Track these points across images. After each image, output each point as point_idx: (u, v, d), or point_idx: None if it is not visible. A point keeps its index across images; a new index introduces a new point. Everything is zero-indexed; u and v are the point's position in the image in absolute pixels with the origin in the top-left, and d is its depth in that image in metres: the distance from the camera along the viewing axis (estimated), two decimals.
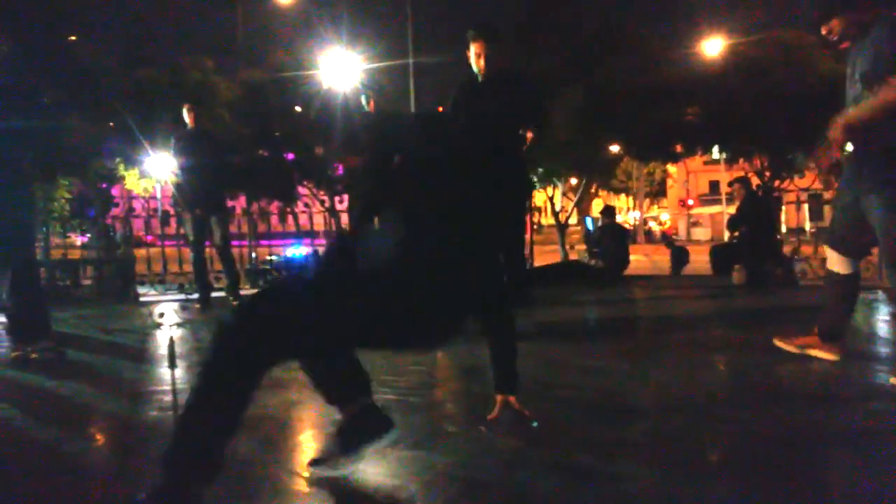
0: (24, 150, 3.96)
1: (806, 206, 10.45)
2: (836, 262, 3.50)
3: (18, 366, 3.96)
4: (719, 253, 8.74)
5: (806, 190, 9.55)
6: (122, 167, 16.47)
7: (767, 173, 15.03)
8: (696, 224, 42.53)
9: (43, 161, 3.99)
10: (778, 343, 3.72)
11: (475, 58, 4.57)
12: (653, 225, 45.62)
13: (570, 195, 19.83)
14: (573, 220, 18.76)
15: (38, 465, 2.40)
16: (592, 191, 27.46)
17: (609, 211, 10.13)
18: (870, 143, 3.22)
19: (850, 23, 3.31)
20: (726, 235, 9.06)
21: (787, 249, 8.83)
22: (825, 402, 2.98)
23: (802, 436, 2.49)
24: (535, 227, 9.43)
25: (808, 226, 11.76)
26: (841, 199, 3.48)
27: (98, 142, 14.19)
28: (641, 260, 15.96)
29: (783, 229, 9.79)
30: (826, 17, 3.36)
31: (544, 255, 12.25)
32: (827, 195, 9.14)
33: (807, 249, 8.79)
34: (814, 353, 3.56)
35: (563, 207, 17.62)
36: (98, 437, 2.80)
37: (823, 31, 3.40)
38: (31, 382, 3.66)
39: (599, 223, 9.86)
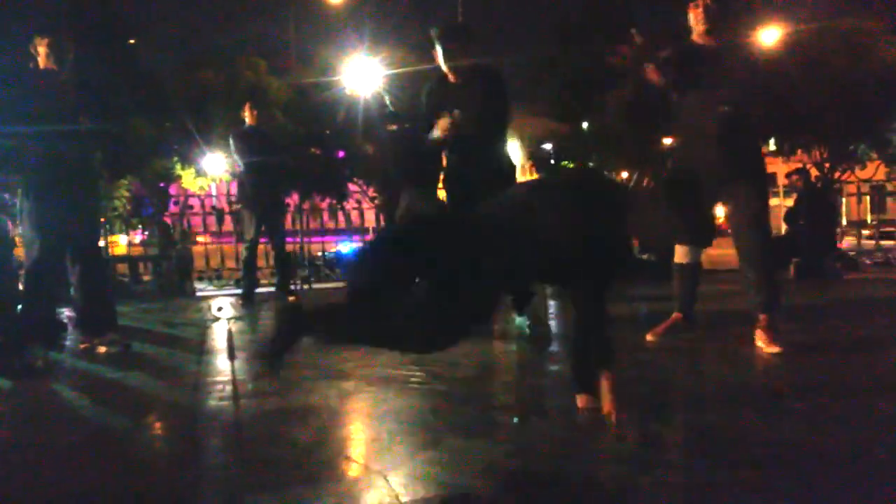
0: (94, 149, 4.12)
1: (868, 198, 10.13)
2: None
3: (87, 358, 4.13)
4: (776, 246, 8.54)
5: (867, 181, 9.26)
6: (178, 166, 16.92)
7: (827, 165, 14.62)
8: None
9: (110, 161, 4.15)
10: (650, 338, 4.01)
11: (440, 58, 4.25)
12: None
13: None
14: None
15: (109, 451, 2.51)
16: (644, 184, 27.10)
17: None
18: None
19: (724, 13, 3.72)
20: (783, 228, 8.84)
21: (847, 242, 8.59)
22: None
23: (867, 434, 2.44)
24: None
25: (869, 218, 11.40)
26: None
27: (157, 141, 14.61)
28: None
29: (843, 222, 9.52)
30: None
31: None
32: (890, 186, 8.89)
33: (868, 243, 8.53)
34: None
35: None
36: (163, 425, 2.91)
37: (699, 6, 3.67)
38: (100, 373, 3.82)
39: None
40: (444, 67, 4.23)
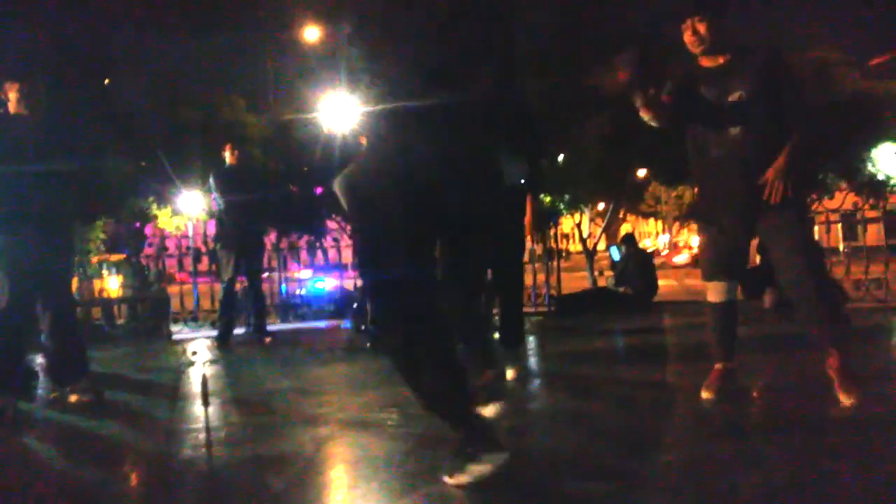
0: (66, 193, 4.08)
1: (839, 227, 10.29)
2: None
3: (58, 407, 4.05)
4: (750, 276, 8.63)
5: (836, 211, 9.42)
6: (154, 206, 16.79)
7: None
8: None
9: (84, 204, 4.10)
10: (705, 394, 3.43)
11: None
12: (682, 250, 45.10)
13: (599, 221, 19.72)
14: (601, 245, 18.67)
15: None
16: (620, 216, 27.31)
17: (629, 239, 10.07)
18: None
19: (720, 28, 3.24)
20: (758, 259, 8.95)
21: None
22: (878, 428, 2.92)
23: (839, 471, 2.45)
24: (562, 253, 9.42)
25: (841, 246, 11.57)
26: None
27: (133, 181, 14.51)
28: (672, 285, 15.80)
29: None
30: (697, 12, 3.24)
31: (573, 282, 12.20)
32: (862, 214, 9.02)
33: (838, 270, 8.62)
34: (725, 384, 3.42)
35: (590, 233, 17.50)
36: (135, 475, 2.85)
37: (687, 29, 3.26)
38: (70, 423, 3.75)
39: (619, 254, 9.79)
40: None
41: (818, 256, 3.40)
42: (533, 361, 5.49)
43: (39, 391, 4.49)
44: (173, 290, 9.20)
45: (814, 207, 14.46)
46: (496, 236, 4.02)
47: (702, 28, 3.24)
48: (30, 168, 3.89)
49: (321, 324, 8.54)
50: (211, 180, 7.01)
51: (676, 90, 3.38)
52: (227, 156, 6.91)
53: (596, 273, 15.91)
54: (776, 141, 3.19)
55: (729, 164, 3.26)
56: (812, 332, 3.27)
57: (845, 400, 3.09)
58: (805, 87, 3.30)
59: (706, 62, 3.32)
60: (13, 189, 3.88)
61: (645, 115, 3.26)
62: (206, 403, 3.43)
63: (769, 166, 3.17)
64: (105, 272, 9.25)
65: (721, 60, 3.29)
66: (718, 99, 3.26)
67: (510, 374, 4.16)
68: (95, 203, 4.97)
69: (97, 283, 8.97)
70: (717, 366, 3.47)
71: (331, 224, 17.40)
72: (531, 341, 6.51)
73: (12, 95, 4.02)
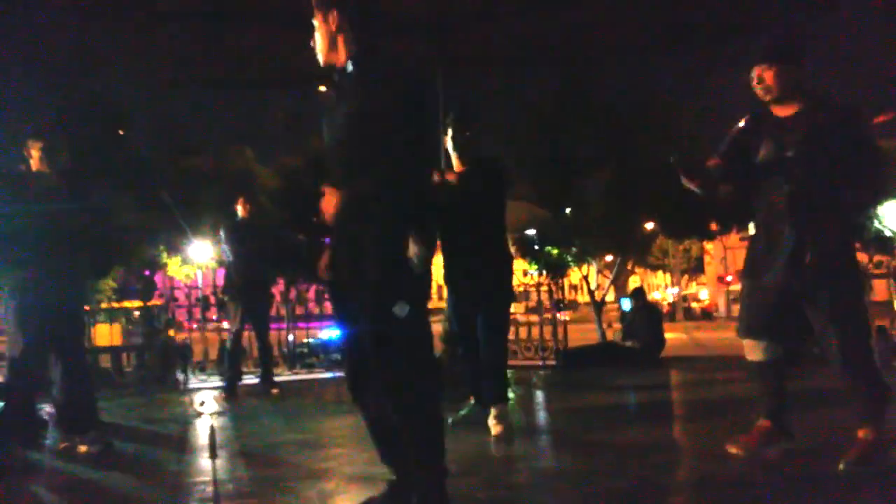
0: (82, 247, 4.18)
1: None
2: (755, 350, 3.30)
3: (67, 457, 4.07)
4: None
5: None
6: (164, 254, 16.96)
7: None
8: (736, 300, 41.84)
9: (98, 258, 4.21)
10: (731, 449, 3.32)
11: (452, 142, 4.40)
12: (693, 302, 44.96)
13: (606, 272, 19.75)
14: (610, 297, 18.66)
15: None
16: (629, 268, 27.33)
17: (638, 293, 10.10)
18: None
19: (788, 78, 3.12)
20: None
21: None
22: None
23: None
24: (561, 304, 9.43)
25: None
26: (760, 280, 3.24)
27: (144, 231, 14.68)
28: (681, 338, 15.76)
29: None
30: (764, 60, 3.15)
31: (581, 335, 12.19)
32: (874, 270, 9.04)
33: None
34: (771, 448, 3.28)
35: (598, 285, 17.54)
36: None
37: (754, 78, 3.17)
38: (79, 473, 3.77)
39: (630, 305, 9.81)
40: (453, 153, 4.40)
41: (859, 327, 3.13)
42: (539, 417, 5.50)
43: (48, 441, 4.51)
44: (181, 338, 9.22)
45: None
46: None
47: (768, 76, 3.13)
48: (48, 220, 4.00)
49: (328, 374, 8.54)
50: (222, 233, 7.13)
51: (728, 151, 3.33)
52: (240, 209, 7.03)
53: (605, 325, 15.90)
54: (825, 203, 3.08)
55: (780, 218, 3.14)
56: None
57: (842, 464, 3.00)
58: (880, 154, 3.14)
59: (777, 110, 3.20)
60: (32, 243, 3.98)
61: (690, 186, 3.25)
62: (213, 456, 3.44)
63: (816, 226, 3.06)
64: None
65: (792, 111, 3.16)
66: (777, 152, 3.14)
67: (494, 430, 4.09)
68: (109, 256, 5.03)
69: (103, 329, 9.01)
70: (760, 423, 3.32)
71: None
72: (537, 395, 6.51)
73: (35, 153, 4.16)
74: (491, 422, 4.15)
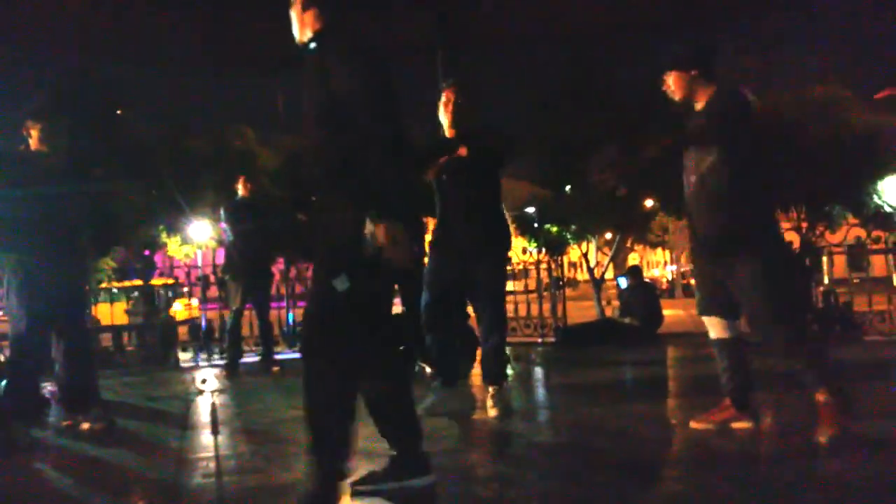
0: (82, 225, 4.20)
1: (845, 258, 10.30)
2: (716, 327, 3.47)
3: (70, 434, 4.11)
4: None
5: (839, 245, 9.46)
6: (164, 234, 16.97)
7: (804, 225, 14.92)
8: None
9: (99, 236, 4.24)
10: (695, 425, 3.50)
11: (444, 106, 4.28)
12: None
13: (606, 250, 19.80)
14: (609, 274, 18.71)
15: None
16: (628, 245, 27.35)
17: (635, 271, 10.10)
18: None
19: (684, 82, 3.44)
20: None
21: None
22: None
23: None
24: (562, 282, 9.41)
25: (849, 277, 11.58)
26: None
27: (145, 211, 14.69)
28: (679, 314, 15.80)
29: (825, 280, 9.69)
30: (666, 67, 3.49)
31: (580, 312, 12.23)
32: (872, 245, 9.06)
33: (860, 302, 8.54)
34: (735, 425, 3.41)
35: (598, 262, 17.59)
36: None
37: (664, 83, 3.51)
38: (82, 451, 3.81)
39: (626, 283, 9.82)
40: (447, 123, 4.27)
41: (782, 298, 3.27)
42: (538, 393, 5.54)
43: (51, 419, 4.55)
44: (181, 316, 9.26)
45: (819, 241, 14.56)
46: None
47: (670, 81, 3.49)
48: (48, 201, 4.01)
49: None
50: (222, 212, 7.14)
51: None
52: (240, 188, 7.04)
53: (604, 302, 15.95)
54: (727, 187, 3.28)
55: (694, 204, 3.44)
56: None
57: (822, 436, 3.08)
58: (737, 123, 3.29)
59: (696, 105, 3.49)
60: (33, 221, 3.99)
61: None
62: (215, 432, 3.48)
63: (722, 211, 3.30)
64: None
65: (701, 105, 3.46)
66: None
67: (493, 411, 4.05)
68: (109, 234, 5.08)
69: (104, 308, 9.05)
70: (725, 401, 3.47)
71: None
72: (536, 372, 6.56)
73: (34, 133, 4.17)
74: (489, 402, 4.11)
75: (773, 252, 3.31)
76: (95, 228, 4.34)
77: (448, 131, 4.31)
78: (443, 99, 4.30)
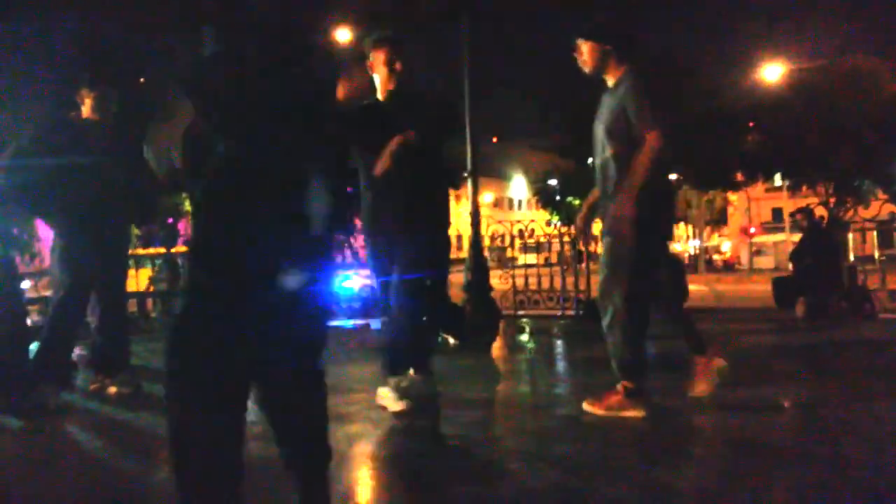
0: (125, 195, 4.25)
1: (874, 234, 10.14)
2: None
3: (98, 398, 4.17)
4: (782, 285, 8.57)
5: (872, 220, 9.31)
6: (187, 202, 17.09)
7: (832, 200, 14.71)
8: (758, 252, 41.53)
9: (140, 205, 4.29)
10: (587, 407, 3.43)
11: (380, 66, 3.64)
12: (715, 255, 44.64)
13: None
14: None
15: (119, 494, 2.55)
16: None
17: None
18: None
19: (597, 54, 3.38)
20: (791, 266, 8.86)
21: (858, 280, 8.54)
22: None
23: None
24: (587, 256, 9.34)
25: (876, 254, 11.42)
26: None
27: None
28: (703, 290, 15.69)
29: (850, 258, 9.55)
30: (580, 35, 3.41)
31: None
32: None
33: (874, 280, 8.47)
34: (624, 414, 3.31)
35: None
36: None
37: (577, 52, 3.44)
38: (111, 414, 3.89)
39: None
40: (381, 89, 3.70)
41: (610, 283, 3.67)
42: (558, 364, 5.54)
43: (79, 381, 4.62)
44: None
45: (849, 216, 14.35)
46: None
47: (582, 50, 3.42)
48: (97, 169, 4.05)
49: (348, 323, 8.63)
50: None
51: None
52: None
53: None
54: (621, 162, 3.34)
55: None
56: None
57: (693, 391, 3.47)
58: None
59: (608, 81, 3.45)
60: (80, 189, 4.04)
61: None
62: None
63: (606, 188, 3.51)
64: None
65: (612, 83, 3.43)
66: (599, 118, 3.46)
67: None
68: (152, 202, 5.14)
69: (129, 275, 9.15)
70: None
71: (360, 222, 17.55)
72: (558, 345, 6.55)
73: (88, 101, 4.21)
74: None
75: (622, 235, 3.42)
76: (140, 195, 4.38)
77: (382, 93, 3.71)
78: (372, 58, 3.67)
